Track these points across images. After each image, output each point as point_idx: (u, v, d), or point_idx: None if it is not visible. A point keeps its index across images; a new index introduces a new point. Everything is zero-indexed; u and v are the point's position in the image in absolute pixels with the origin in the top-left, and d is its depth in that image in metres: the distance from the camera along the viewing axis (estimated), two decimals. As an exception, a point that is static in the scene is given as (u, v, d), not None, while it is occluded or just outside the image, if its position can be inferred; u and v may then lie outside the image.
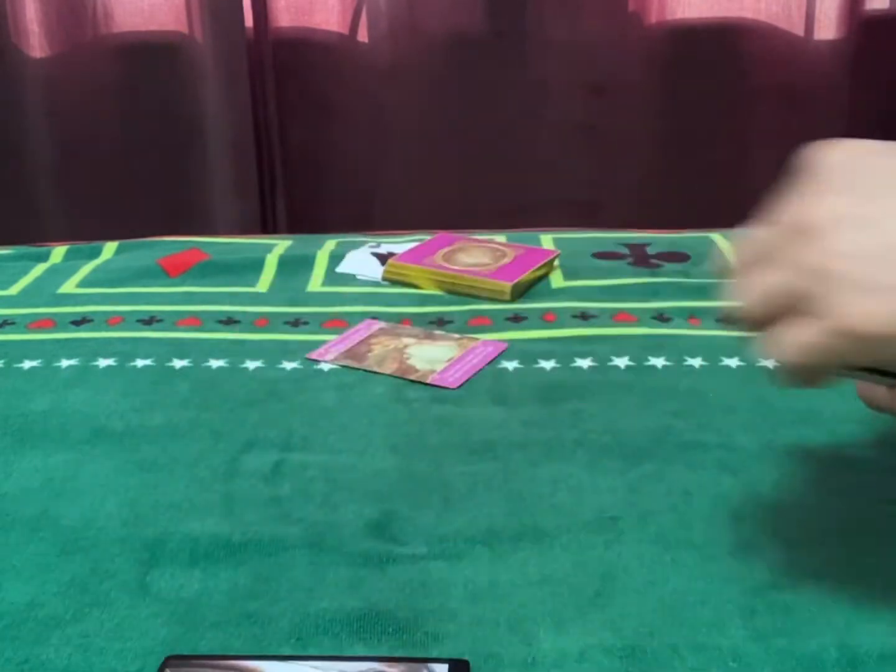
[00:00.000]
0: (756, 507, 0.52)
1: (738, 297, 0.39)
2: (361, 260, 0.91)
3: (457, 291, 0.84)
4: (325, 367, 0.70)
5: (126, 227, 1.35)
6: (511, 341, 0.73)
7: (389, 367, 0.69)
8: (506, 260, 0.87)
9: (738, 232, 0.40)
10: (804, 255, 0.36)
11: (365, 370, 0.69)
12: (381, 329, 0.76)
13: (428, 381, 0.67)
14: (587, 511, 0.52)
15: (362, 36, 1.73)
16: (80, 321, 0.79)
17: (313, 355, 0.72)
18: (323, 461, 0.57)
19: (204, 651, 0.42)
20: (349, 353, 0.72)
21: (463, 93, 1.74)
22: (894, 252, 0.34)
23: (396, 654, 0.41)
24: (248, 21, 1.70)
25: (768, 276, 0.38)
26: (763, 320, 0.39)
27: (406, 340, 0.74)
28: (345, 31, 1.73)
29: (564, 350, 0.71)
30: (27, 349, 0.73)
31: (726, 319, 0.39)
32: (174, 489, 0.54)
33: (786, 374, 0.38)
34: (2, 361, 0.71)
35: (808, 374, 0.38)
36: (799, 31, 1.70)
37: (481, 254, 0.89)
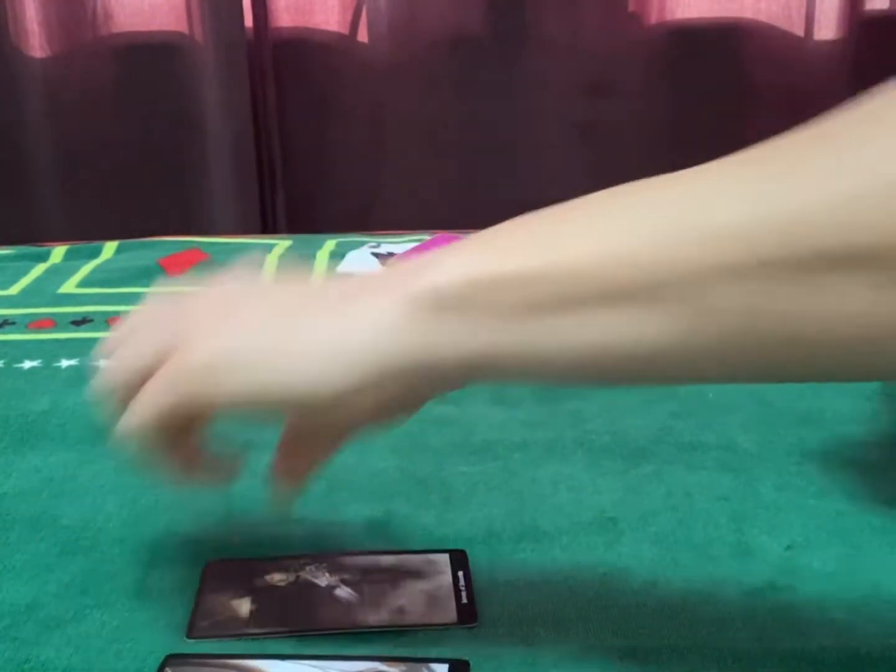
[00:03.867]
0: (756, 507, 0.52)
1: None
2: (361, 260, 0.90)
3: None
4: (325, 367, 0.70)
5: (126, 227, 1.35)
6: (511, 341, 0.73)
7: (389, 368, 0.69)
8: (506, 260, 0.86)
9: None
10: (163, 327, 0.42)
11: (365, 370, 0.69)
12: (381, 329, 0.76)
13: (428, 381, 0.67)
14: (587, 511, 0.52)
15: (362, 36, 1.73)
16: (80, 321, 0.79)
17: (313, 355, 0.72)
18: (323, 461, 0.57)
19: (204, 651, 0.42)
20: (349, 354, 0.72)
21: (463, 93, 1.74)
22: (242, 321, 0.39)
23: (396, 654, 0.41)
24: (248, 21, 1.70)
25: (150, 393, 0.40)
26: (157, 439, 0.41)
27: (406, 340, 0.74)
28: (345, 31, 1.73)
29: (564, 350, 0.71)
30: (27, 349, 0.73)
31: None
32: (174, 489, 0.54)
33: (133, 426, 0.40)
34: (2, 361, 0.71)
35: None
36: (799, 31, 1.70)
37: (481, 254, 0.88)
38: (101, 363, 0.44)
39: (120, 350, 0.43)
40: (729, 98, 1.70)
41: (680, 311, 0.33)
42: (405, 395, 0.38)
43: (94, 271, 0.91)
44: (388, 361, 0.36)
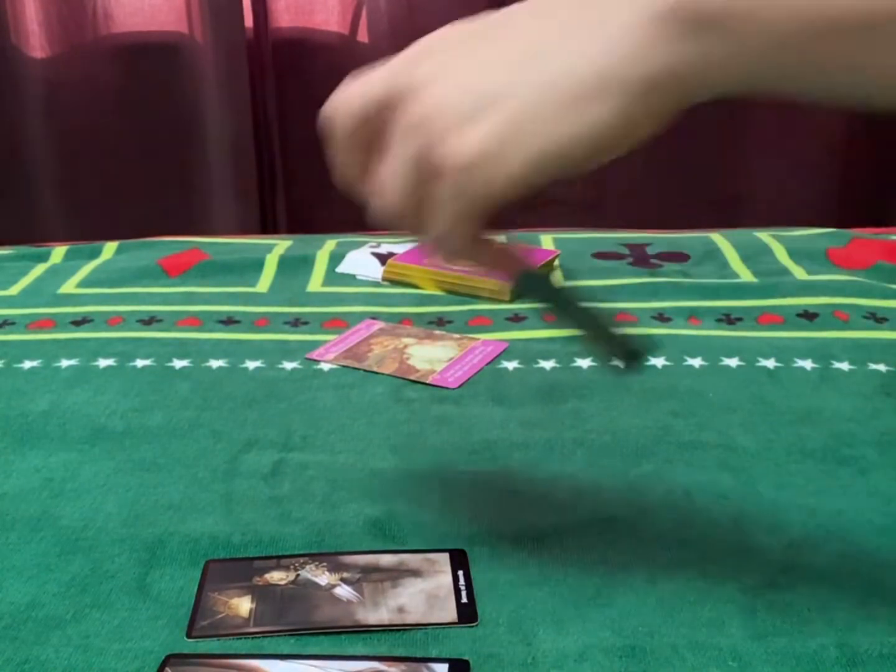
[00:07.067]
0: (756, 507, 0.52)
1: (372, 198, 0.40)
2: (361, 260, 0.91)
3: (457, 291, 0.84)
4: (325, 367, 0.70)
5: (126, 227, 1.35)
6: (511, 341, 0.73)
7: (389, 367, 0.69)
8: (506, 260, 0.87)
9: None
10: (408, 119, 0.37)
11: (365, 370, 0.69)
12: (381, 329, 0.76)
13: (428, 381, 0.67)
14: (587, 511, 0.52)
15: (362, 36, 1.73)
16: (80, 321, 0.79)
17: (313, 355, 0.72)
18: (323, 461, 0.57)
19: (204, 651, 0.42)
20: (349, 353, 0.72)
21: (463, 93, 1.73)
22: (475, 82, 0.36)
23: (396, 654, 0.41)
24: (248, 21, 1.70)
25: (387, 164, 0.38)
26: (404, 212, 0.39)
27: (406, 340, 0.74)
28: (345, 31, 1.73)
29: (564, 350, 0.72)
30: (27, 349, 0.73)
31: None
32: (174, 489, 0.54)
33: (446, 247, 0.40)
34: (2, 361, 0.71)
35: (462, 238, 0.39)
36: (799, 31, 1.70)
37: (481, 254, 0.89)
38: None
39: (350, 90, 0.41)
40: (728, 98, 1.70)
41: None
42: (658, 119, 0.36)
43: (94, 271, 0.91)
44: (646, 87, 0.35)
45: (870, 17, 0.31)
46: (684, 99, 0.36)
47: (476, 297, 0.82)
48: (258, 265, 0.91)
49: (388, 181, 0.39)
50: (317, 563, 0.47)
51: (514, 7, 0.39)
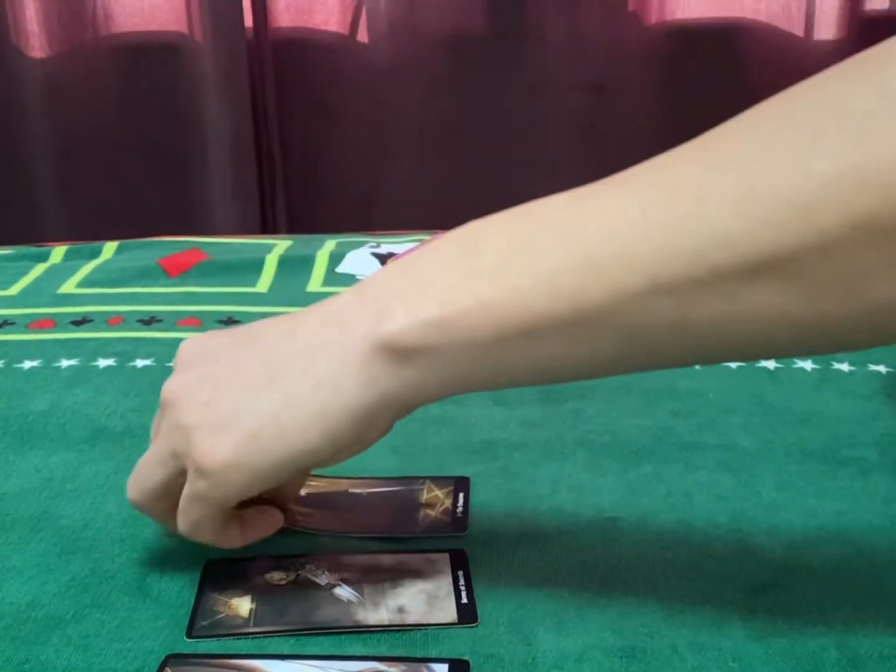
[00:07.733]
0: (756, 507, 0.52)
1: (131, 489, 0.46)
2: (361, 260, 0.91)
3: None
4: (325, 367, 0.70)
5: (126, 227, 1.35)
6: (511, 341, 0.73)
7: (389, 367, 0.69)
8: (506, 260, 0.87)
9: None
10: (165, 425, 0.44)
11: (365, 370, 0.69)
12: (381, 329, 0.76)
13: (428, 381, 0.67)
14: (587, 511, 0.52)
15: (362, 36, 1.74)
16: (80, 321, 0.79)
17: (313, 355, 0.72)
18: (323, 461, 0.57)
19: (204, 651, 0.42)
20: (349, 353, 0.72)
21: (463, 93, 1.74)
22: (227, 398, 0.42)
23: (396, 654, 0.41)
24: (248, 21, 1.70)
25: (149, 457, 0.45)
26: (157, 506, 0.46)
27: (406, 340, 0.74)
28: (345, 31, 1.73)
29: (564, 350, 0.71)
30: (27, 349, 0.73)
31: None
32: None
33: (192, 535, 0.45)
34: (2, 361, 0.71)
35: (199, 527, 0.45)
36: (799, 31, 1.70)
37: (481, 254, 0.88)
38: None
39: (137, 478, 0.46)
40: (729, 98, 1.71)
41: (607, 331, 0.36)
42: (389, 425, 0.43)
43: (94, 271, 0.91)
44: (371, 410, 0.40)
45: (535, 322, 0.37)
46: (405, 411, 0.42)
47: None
48: (258, 265, 0.91)
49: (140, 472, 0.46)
50: (317, 563, 0.47)
51: (263, 325, 0.45)
